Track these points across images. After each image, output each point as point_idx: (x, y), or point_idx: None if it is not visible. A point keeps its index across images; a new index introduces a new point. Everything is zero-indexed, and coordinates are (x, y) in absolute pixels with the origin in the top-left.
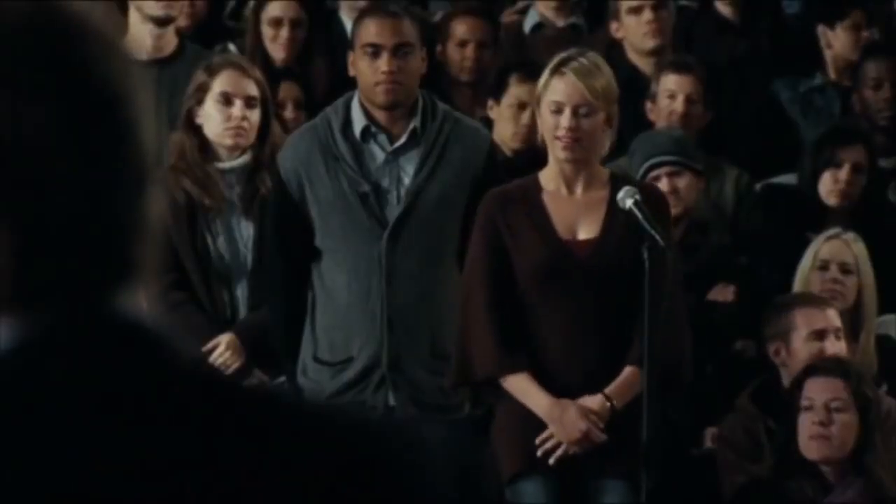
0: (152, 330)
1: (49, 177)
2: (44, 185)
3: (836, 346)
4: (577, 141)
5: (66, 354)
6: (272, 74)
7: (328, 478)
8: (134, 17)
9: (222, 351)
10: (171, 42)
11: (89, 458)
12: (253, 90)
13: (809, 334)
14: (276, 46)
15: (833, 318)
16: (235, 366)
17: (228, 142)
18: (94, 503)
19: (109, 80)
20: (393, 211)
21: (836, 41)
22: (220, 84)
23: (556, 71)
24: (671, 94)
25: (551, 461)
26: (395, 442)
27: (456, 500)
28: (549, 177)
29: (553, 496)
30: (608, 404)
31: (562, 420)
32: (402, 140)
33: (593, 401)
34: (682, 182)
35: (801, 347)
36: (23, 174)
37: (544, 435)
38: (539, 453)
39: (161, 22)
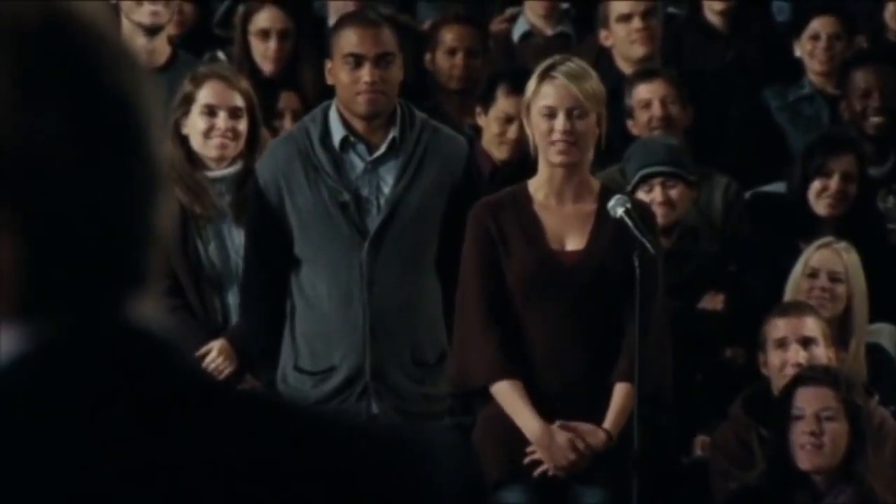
0: (162, 338)
1: (59, 184)
2: (53, 193)
3: (802, 355)
4: (573, 144)
5: (75, 362)
6: (262, 84)
7: (344, 486)
8: (126, 25)
9: (214, 356)
10: (163, 51)
11: (98, 466)
12: (238, 101)
13: (776, 342)
14: (265, 59)
15: (806, 326)
16: (227, 371)
17: (213, 153)
18: None
19: (121, 87)
20: (373, 220)
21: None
22: (204, 95)
23: (545, 76)
24: (645, 102)
25: (535, 473)
26: (410, 447)
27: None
28: (538, 186)
29: (533, 502)
30: (611, 442)
31: (550, 448)
32: (382, 150)
33: (597, 437)
34: (675, 192)
35: (772, 356)
36: (33, 180)
37: (532, 455)
38: (526, 461)
39: (150, 31)
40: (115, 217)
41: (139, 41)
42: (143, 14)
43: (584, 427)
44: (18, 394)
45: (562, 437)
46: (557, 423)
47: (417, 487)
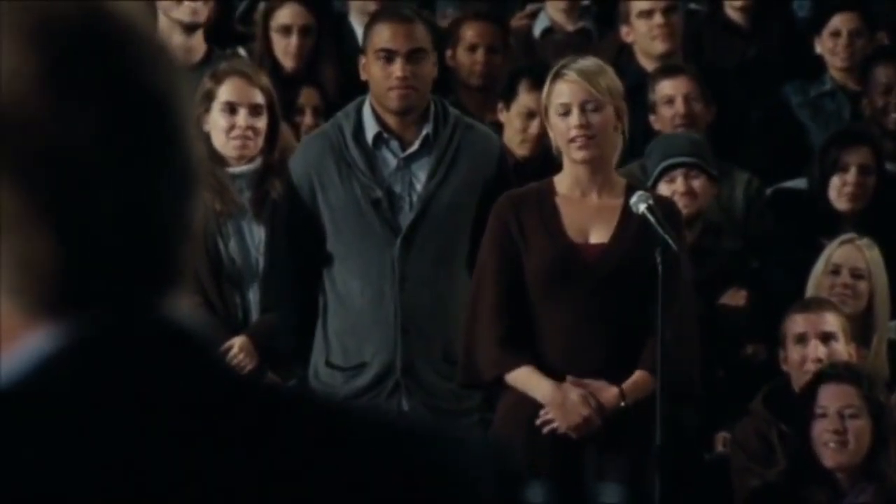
0: (199, 334)
1: (95, 181)
2: (89, 190)
3: (822, 351)
4: (592, 139)
5: (110, 360)
6: (283, 80)
7: (380, 484)
8: (163, 22)
9: (236, 353)
10: (200, 48)
11: (132, 463)
12: (258, 98)
13: (797, 338)
14: (286, 55)
15: (826, 322)
16: (248, 368)
17: (233, 152)
18: None
19: (157, 85)
20: (405, 217)
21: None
22: (224, 93)
23: (558, 75)
24: (669, 98)
25: (545, 431)
26: (446, 444)
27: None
28: (563, 181)
29: (553, 499)
30: (622, 403)
31: (564, 405)
32: (415, 146)
33: (608, 392)
34: (698, 183)
35: (792, 352)
36: (69, 178)
37: (545, 416)
38: (538, 422)
39: (188, 28)
40: (151, 215)
41: (176, 38)
42: (183, 12)
43: (595, 383)
44: (53, 392)
45: (574, 393)
46: (568, 378)
47: (454, 484)
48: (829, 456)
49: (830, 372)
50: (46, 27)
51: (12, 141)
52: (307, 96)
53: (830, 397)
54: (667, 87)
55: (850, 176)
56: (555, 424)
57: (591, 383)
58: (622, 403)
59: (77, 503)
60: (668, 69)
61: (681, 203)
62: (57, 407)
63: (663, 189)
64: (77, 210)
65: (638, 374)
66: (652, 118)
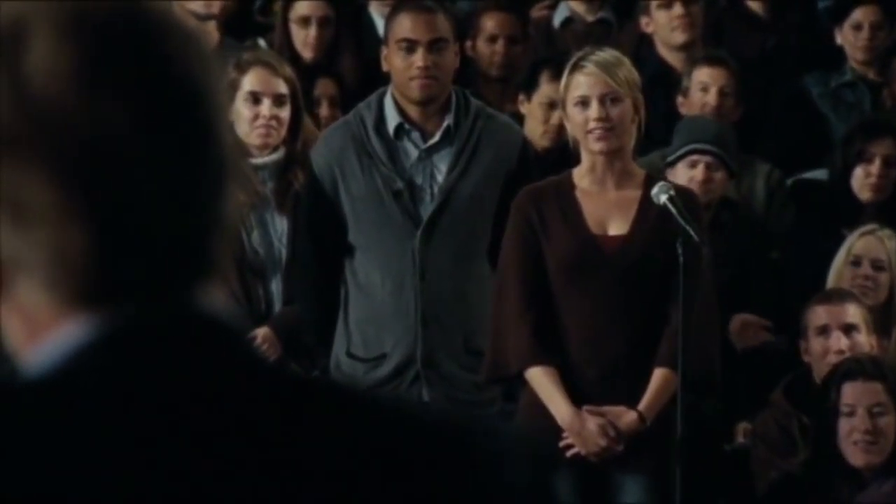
0: (232, 325)
1: (129, 173)
2: (123, 182)
3: (844, 342)
4: (610, 130)
5: (142, 351)
6: (301, 71)
7: (418, 471)
8: (176, 9)
9: (259, 344)
10: (212, 37)
11: (171, 452)
12: (282, 88)
13: (819, 329)
14: (304, 46)
15: (847, 313)
16: (272, 359)
17: (257, 141)
18: (181, 501)
19: (190, 77)
20: (426, 208)
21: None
22: (249, 82)
23: (576, 67)
24: (704, 86)
25: (568, 454)
26: (480, 433)
27: (539, 494)
28: (582, 174)
29: (576, 490)
30: (642, 424)
31: (581, 434)
32: (436, 137)
33: (628, 418)
34: (718, 176)
35: (814, 343)
36: (103, 170)
37: (566, 440)
38: (561, 444)
39: (202, 18)
40: (185, 206)
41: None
42: (198, 4)
43: (614, 410)
44: (87, 382)
45: (592, 423)
46: (585, 407)
47: (488, 471)
48: (857, 455)
49: (855, 368)
50: (80, 23)
51: (48, 136)
52: (323, 87)
53: (858, 395)
54: (705, 75)
55: (875, 167)
56: (575, 450)
57: (609, 410)
58: (644, 425)
59: (110, 491)
60: (710, 58)
61: (698, 190)
62: (90, 397)
63: (681, 170)
64: (112, 203)
65: (657, 376)
66: (680, 101)
